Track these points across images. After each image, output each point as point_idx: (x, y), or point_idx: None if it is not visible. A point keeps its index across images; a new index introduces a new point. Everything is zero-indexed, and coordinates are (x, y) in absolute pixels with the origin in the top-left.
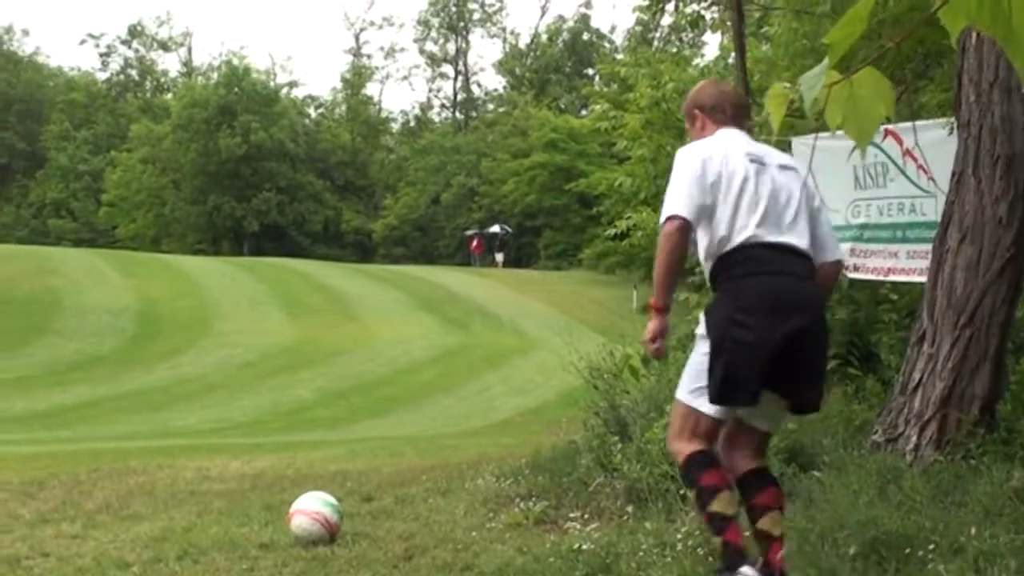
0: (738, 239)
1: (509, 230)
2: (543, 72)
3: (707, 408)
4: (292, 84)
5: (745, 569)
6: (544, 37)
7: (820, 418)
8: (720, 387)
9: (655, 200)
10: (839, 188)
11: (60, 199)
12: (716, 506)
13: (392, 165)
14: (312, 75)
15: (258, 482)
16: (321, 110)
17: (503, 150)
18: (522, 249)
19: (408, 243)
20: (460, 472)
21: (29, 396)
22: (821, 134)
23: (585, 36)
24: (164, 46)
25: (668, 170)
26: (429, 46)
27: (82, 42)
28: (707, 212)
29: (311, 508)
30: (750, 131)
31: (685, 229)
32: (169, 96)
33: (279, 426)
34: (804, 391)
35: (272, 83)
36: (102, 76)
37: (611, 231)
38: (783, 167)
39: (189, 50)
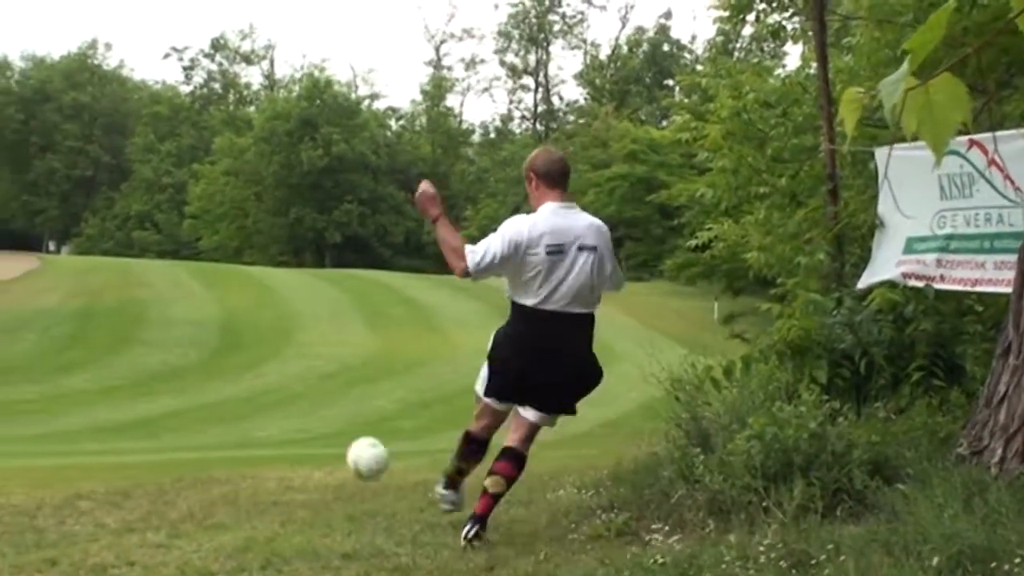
0: (529, 302)
1: None
2: (623, 83)
3: (486, 399)
4: (373, 96)
5: (448, 492)
6: (624, 48)
7: (904, 430)
8: (492, 392)
9: (736, 211)
10: (925, 198)
11: (144, 211)
12: (461, 464)
13: (473, 176)
14: (393, 87)
15: (340, 493)
16: (402, 122)
17: (583, 161)
18: None
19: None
20: (541, 483)
21: (114, 406)
22: (906, 143)
23: (665, 47)
24: (247, 59)
25: (749, 181)
26: (510, 58)
27: (166, 56)
28: (503, 271)
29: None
30: (571, 197)
31: (464, 275)
32: (251, 109)
33: (362, 436)
34: (537, 403)
35: (353, 95)
36: (185, 89)
37: (692, 242)
38: (582, 248)
39: (271, 63)
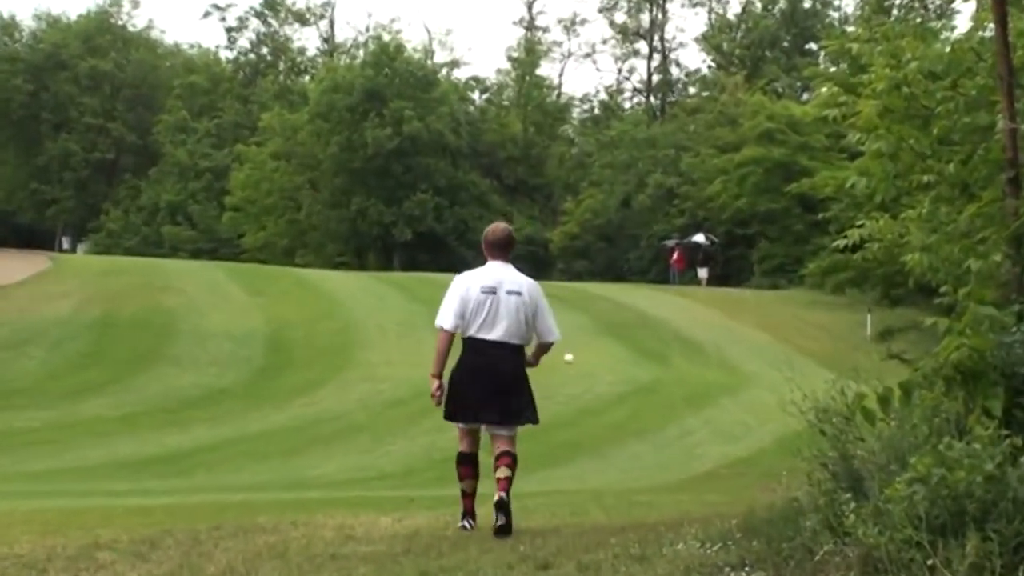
0: (468, 333)
1: (715, 240)
2: (756, 48)
3: (458, 424)
4: (453, 64)
5: (466, 521)
6: (757, 6)
7: None
8: (450, 415)
9: (894, 204)
10: None
11: (176, 202)
12: (463, 485)
13: (573, 161)
14: (476, 53)
15: (412, 544)
16: (487, 95)
17: (708, 143)
18: (731, 263)
19: (592, 255)
20: (657, 535)
21: (138, 437)
22: None
23: (807, 4)
24: (301, 19)
25: (911, 168)
26: (618, 17)
27: (205, 15)
28: (461, 316)
29: None
30: (510, 260)
31: (449, 337)
32: (307, 79)
33: (435, 476)
34: (496, 419)
35: (429, 63)
36: (228, 55)
37: (840, 242)
38: (509, 292)
39: (331, 24)
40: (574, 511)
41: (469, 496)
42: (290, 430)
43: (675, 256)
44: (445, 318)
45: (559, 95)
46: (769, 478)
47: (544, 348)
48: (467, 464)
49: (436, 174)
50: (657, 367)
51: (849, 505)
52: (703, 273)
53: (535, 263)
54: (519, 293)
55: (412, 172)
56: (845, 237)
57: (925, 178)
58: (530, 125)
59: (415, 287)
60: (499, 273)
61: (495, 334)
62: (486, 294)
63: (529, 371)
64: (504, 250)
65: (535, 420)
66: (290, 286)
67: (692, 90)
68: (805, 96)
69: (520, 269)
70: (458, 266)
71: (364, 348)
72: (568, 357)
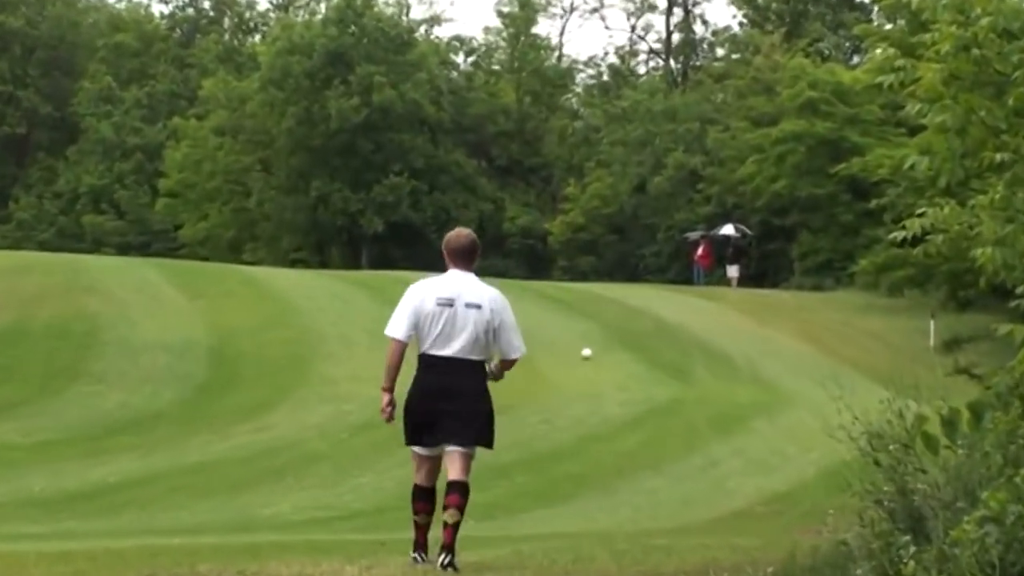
0: (422, 349)
1: (748, 232)
2: (796, 2)
3: (414, 448)
4: (432, 21)
5: (418, 554)
6: None
7: None
8: (409, 439)
9: (962, 189)
10: None
11: (100, 186)
12: (417, 518)
13: (577, 138)
14: (461, 8)
15: None
16: (474, 58)
17: (739, 115)
18: (767, 260)
19: (599, 250)
20: None
21: (55, 469)
22: None
23: None
24: None
25: (983, 145)
26: None
27: None
28: (414, 328)
29: None
30: (474, 270)
31: (401, 347)
32: (257, 39)
33: (410, 515)
34: (454, 437)
35: (404, 19)
36: (162, 10)
37: (897, 234)
38: (468, 305)
39: None
40: (577, 557)
41: (422, 528)
42: (237, 461)
43: (700, 251)
44: (396, 327)
45: (560, 58)
46: (812, 518)
47: (507, 364)
48: (423, 500)
49: (412, 153)
50: (677, 384)
51: (908, 549)
52: (733, 271)
53: (531, 260)
54: (478, 306)
55: (384, 151)
56: (903, 228)
57: (999, 156)
58: (525, 94)
59: (387, 288)
60: (458, 283)
61: (451, 350)
62: (442, 306)
63: (521, 390)
64: (466, 258)
65: (490, 443)
66: (237, 287)
67: (720, 52)
68: (855, 59)
69: (506, 272)
70: (438, 264)
71: (326, 362)
72: (586, 352)
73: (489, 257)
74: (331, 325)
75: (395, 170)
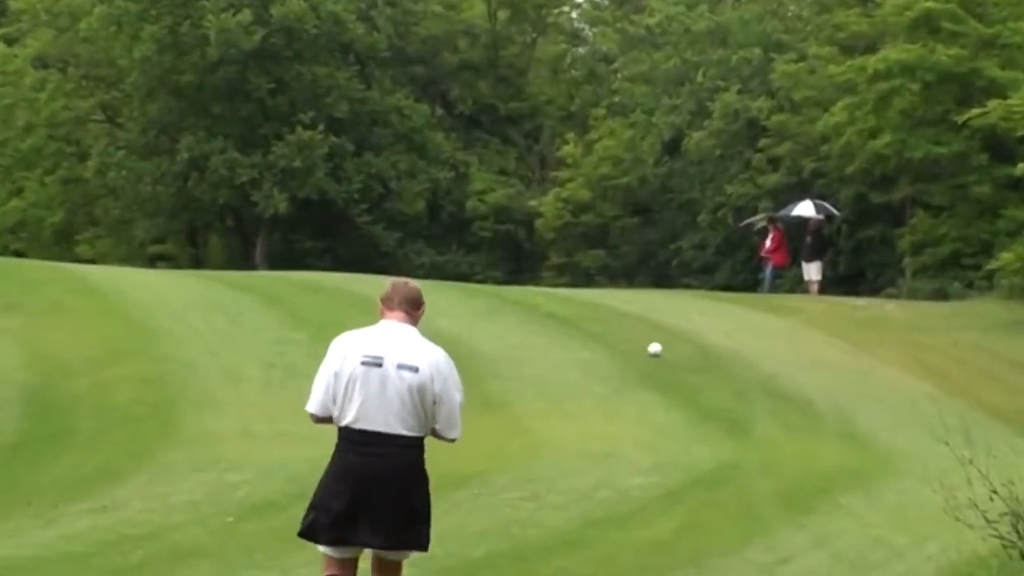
0: (343, 422)
1: (836, 213)
2: None
3: (321, 548)
4: None
5: None
6: None
7: None
8: (307, 530)
9: None
10: None
11: None
12: None
13: (579, 72)
14: None
15: None
16: None
17: (821, 38)
18: (864, 254)
19: (611, 239)
20: None
21: None
22: None
23: None
24: None
25: None
26: None
27: None
28: (333, 399)
29: None
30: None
31: (318, 420)
32: None
33: None
34: (377, 537)
35: None
36: None
37: None
38: (401, 367)
39: None
40: None
41: None
42: (67, 558)
43: (769, 242)
44: (313, 398)
45: None
46: None
47: (449, 443)
48: None
49: (331, 95)
50: (731, 442)
51: None
52: (814, 272)
53: (509, 254)
54: (415, 369)
55: (288, 92)
56: None
57: None
58: (500, 6)
59: (292, 297)
60: (391, 338)
61: (378, 424)
62: (367, 366)
63: (496, 450)
64: (405, 307)
65: (424, 546)
66: (67, 297)
67: None
68: None
69: (472, 272)
70: (368, 260)
71: (202, 410)
72: (654, 348)
73: (445, 247)
74: (210, 354)
75: (305, 121)
